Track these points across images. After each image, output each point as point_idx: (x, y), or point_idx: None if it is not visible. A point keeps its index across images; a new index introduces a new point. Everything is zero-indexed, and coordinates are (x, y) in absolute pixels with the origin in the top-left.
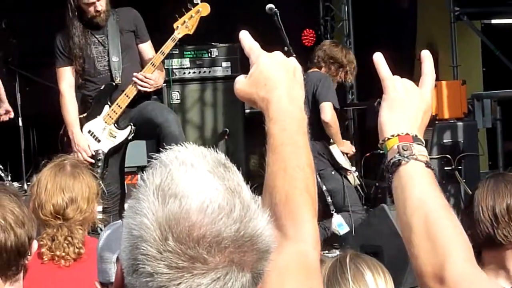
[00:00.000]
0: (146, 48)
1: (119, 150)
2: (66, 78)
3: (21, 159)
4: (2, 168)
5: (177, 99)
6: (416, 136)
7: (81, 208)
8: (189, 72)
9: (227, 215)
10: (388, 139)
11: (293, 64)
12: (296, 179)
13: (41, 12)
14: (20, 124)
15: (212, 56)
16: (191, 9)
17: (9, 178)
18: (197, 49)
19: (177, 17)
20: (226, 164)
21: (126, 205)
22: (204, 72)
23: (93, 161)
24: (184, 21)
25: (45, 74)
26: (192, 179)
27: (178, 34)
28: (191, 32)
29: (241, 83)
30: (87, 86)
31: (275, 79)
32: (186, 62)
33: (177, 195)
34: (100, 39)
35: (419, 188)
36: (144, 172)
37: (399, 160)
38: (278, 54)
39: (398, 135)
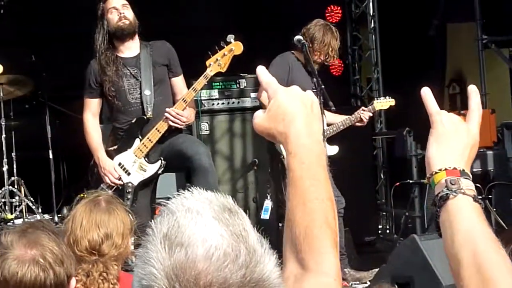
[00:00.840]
0: (179, 82)
1: (150, 183)
2: (91, 108)
3: (51, 191)
4: (33, 200)
5: (206, 130)
6: (463, 170)
7: (116, 243)
8: (218, 103)
9: (233, 262)
10: (436, 173)
11: (310, 98)
12: (315, 211)
13: (72, 44)
14: (51, 156)
15: (241, 87)
16: (224, 47)
17: (40, 210)
18: (225, 80)
19: (210, 54)
20: (232, 209)
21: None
22: (233, 103)
23: (121, 182)
24: (217, 59)
25: (75, 106)
26: (197, 226)
27: (210, 71)
28: (223, 70)
29: (260, 118)
30: (118, 118)
31: (293, 114)
32: (215, 93)
33: (183, 243)
34: (133, 72)
35: (467, 222)
36: (152, 220)
37: (447, 194)
38: (295, 89)
39: (445, 169)
